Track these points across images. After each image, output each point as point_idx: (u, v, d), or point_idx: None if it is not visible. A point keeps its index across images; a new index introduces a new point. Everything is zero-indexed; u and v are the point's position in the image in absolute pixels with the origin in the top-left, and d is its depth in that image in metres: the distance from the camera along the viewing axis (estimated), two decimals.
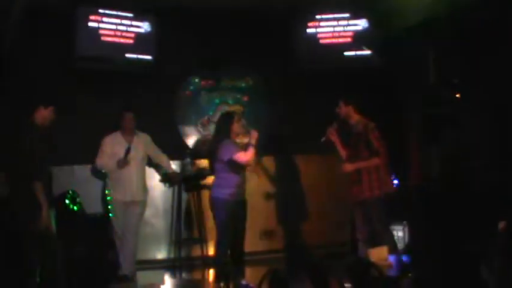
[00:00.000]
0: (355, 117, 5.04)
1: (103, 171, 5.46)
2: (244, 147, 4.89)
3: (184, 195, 6.08)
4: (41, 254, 4.20)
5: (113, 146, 5.29)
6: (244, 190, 4.91)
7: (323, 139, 5.02)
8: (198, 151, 6.43)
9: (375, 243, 4.87)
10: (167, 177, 5.82)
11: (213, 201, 4.80)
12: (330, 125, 5.04)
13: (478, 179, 5.17)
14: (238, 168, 4.77)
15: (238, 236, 4.86)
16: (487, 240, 4.48)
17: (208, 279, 5.80)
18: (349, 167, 4.98)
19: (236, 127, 4.89)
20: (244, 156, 4.72)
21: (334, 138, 5.04)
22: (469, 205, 4.97)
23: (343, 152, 5.08)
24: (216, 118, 6.43)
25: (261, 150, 5.23)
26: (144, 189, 5.43)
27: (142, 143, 5.43)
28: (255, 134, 4.80)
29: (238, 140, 5.09)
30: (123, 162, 5.17)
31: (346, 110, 5.04)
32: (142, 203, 5.41)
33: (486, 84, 5.31)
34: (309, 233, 6.50)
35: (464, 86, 5.61)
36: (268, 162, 6.48)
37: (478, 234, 4.62)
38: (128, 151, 5.19)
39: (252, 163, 4.88)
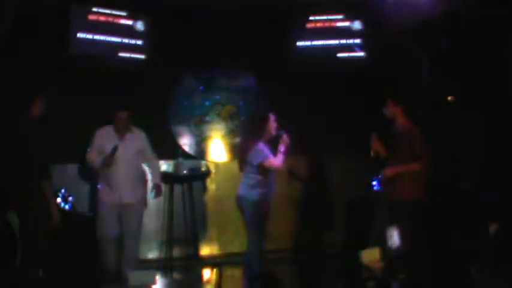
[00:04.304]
0: (401, 119, 4.89)
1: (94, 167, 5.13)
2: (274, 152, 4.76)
3: (177, 195, 6.06)
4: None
5: (103, 141, 5.02)
6: (271, 191, 4.87)
7: (372, 154, 4.94)
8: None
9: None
10: (153, 188, 5.30)
11: (242, 201, 4.77)
12: (372, 136, 4.95)
13: (468, 182, 5.22)
14: (268, 171, 4.73)
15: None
16: (477, 242, 4.52)
17: (201, 279, 5.81)
18: (389, 172, 4.85)
19: (270, 128, 4.81)
20: (275, 162, 4.68)
21: (379, 147, 4.94)
22: (459, 207, 5.01)
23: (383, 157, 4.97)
24: (209, 118, 6.51)
25: None
26: (137, 190, 5.11)
27: (136, 140, 5.14)
28: (286, 139, 4.74)
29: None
30: (109, 160, 4.87)
31: (395, 111, 4.90)
32: (136, 205, 5.09)
33: (479, 88, 5.35)
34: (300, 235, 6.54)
35: (457, 90, 5.66)
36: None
37: (468, 236, 4.66)
38: (114, 149, 4.87)
39: (282, 168, 4.82)
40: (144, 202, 5.23)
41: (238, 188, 4.86)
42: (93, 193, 5.63)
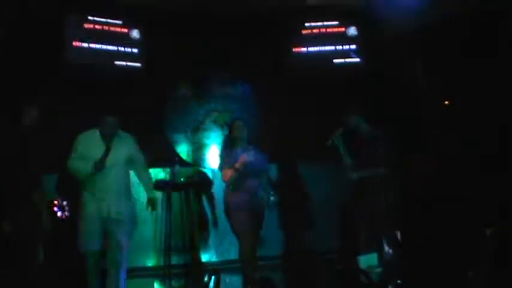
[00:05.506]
0: (363, 127, 4.98)
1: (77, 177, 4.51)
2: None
3: (175, 202, 6.05)
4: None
5: (87, 146, 4.42)
6: (258, 199, 4.81)
7: (328, 142, 4.97)
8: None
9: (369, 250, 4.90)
10: (148, 202, 4.82)
11: (224, 207, 4.83)
12: (336, 129, 4.99)
13: (465, 186, 5.21)
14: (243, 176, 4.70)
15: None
16: (475, 245, 4.52)
17: (199, 286, 5.79)
18: (354, 175, 4.91)
19: (237, 135, 4.81)
20: (223, 175, 4.74)
21: (339, 142, 4.99)
22: (456, 211, 5.00)
23: (346, 158, 5.00)
24: (205, 125, 6.52)
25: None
26: (127, 201, 4.55)
27: (125, 145, 4.56)
28: (243, 158, 4.62)
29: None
30: (101, 164, 4.32)
31: (355, 119, 4.99)
32: (125, 222, 4.48)
33: (475, 91, 5.36)
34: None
35: (453, 93, 5.67)
36: None
37: (466, 239, 4.65)
38: (107, 151, 4.34)
39: (228, 183, 4.73)
40: (133, 219, 4.63)
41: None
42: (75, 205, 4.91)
